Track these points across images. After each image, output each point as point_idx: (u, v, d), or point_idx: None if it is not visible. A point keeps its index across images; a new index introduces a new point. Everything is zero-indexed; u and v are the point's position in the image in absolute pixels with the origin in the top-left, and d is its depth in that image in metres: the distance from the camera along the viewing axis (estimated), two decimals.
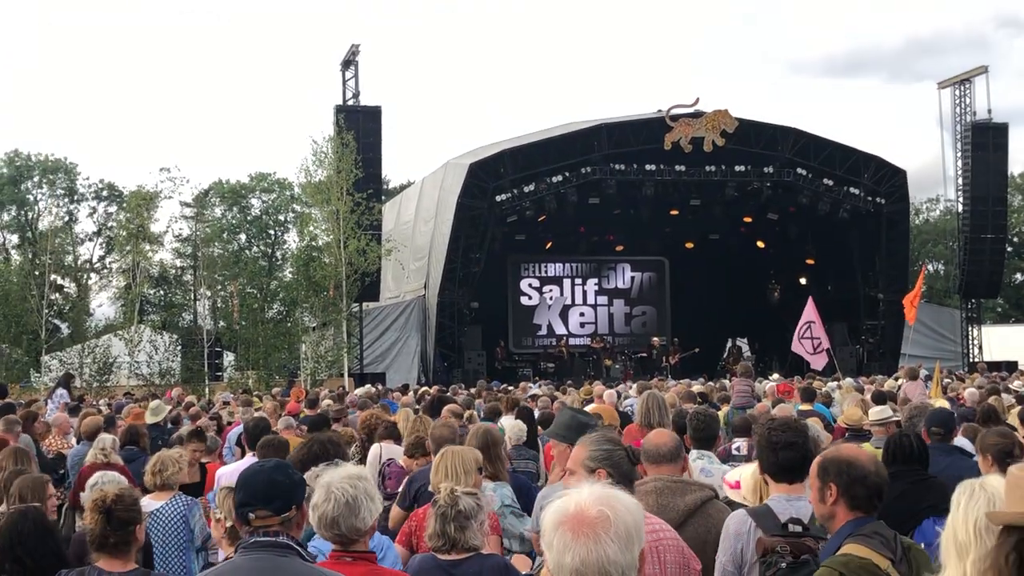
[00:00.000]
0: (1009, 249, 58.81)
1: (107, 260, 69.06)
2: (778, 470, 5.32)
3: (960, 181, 43.60)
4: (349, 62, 37.75)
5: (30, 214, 70.02)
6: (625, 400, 18.58)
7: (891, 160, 40.96)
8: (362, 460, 10.80)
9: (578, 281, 47.73)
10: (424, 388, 26.23)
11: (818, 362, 27.53)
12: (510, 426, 11.38)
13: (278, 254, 74.55)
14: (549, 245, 45.90)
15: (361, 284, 35.69)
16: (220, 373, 41.12)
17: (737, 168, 38.82)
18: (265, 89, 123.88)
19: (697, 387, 21.66)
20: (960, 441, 9.16)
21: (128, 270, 42.15)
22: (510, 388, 25.26)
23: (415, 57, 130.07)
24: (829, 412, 15.36)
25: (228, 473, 9.45)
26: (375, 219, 36.03)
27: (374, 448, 10.90)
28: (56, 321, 47.67)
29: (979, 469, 6.94)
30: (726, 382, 25.30)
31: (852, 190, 39.97)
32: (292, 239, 69.13)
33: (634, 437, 9.05)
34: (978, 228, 42.58)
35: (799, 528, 4.85)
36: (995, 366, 36.94)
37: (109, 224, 68.63)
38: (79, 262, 67.71)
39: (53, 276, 44.58)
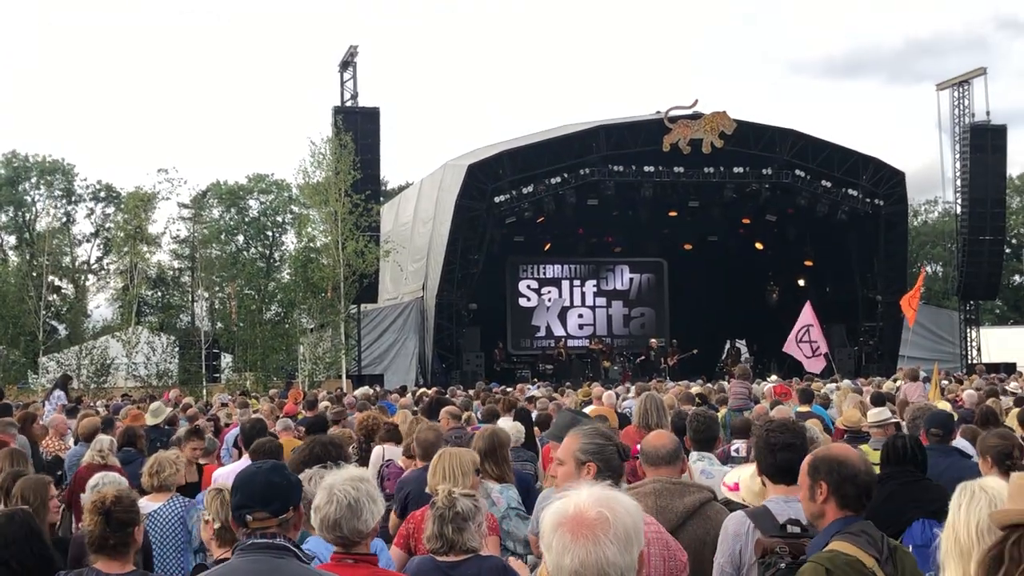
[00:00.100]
0: (1007, 251, 58.85)
1: (105, 261, 69.20)
2: (776, 471, 5.32)
3: (959, 183, 43.62)
4: (347, 63, 37.75)
5: (27, 215, 70.05)
6: (624, 402, 18.56)
7: (890, 162, 41.10)
8: (360, 462, 10.79)
9: (577, 282, 47.71)
10: (422, 390, 26.21)
11: (815, 365, 27.50)
12: (508, 428, 11.37)
13: (276, 255, 74.54)
14: (548, 246, 45.90)
15: (359, 285, 35.67)
16: (218, 375, 41.08)
17: (736, 170, 38.84)
18: (263, 90, 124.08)
19: (696, 388, 21.65)
20: (959, 442, 9.15)
21: (126, 271, 42.21)
22: (508, 389, 25.24)
23: (413, 58, 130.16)
24: (827, 414, 15.33)
25: (224, 474, 9.44)
26: (373, 220, 36.03)
27: (376, 450, 10.94)
28: (53, 322, 47.65)
29: (979, 470, 6.94)
30: (724, 384, 25.28)
31: (850, 192, 39.98)
32: (290, 240, 69.19)
33: (632, 438, 9.04)
34: (976, 230, 42.58)
35: (797, 529, 4.85)
36: (993, 368, 36.94)
37: (107, 225, 68.67)
38: (77, 263, 67.84)
39: (51, 277, 44.60)
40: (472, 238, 37.37)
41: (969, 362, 43.06)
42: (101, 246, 70.34)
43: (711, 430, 8.61)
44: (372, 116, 37.15)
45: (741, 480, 6.11)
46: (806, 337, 26.50)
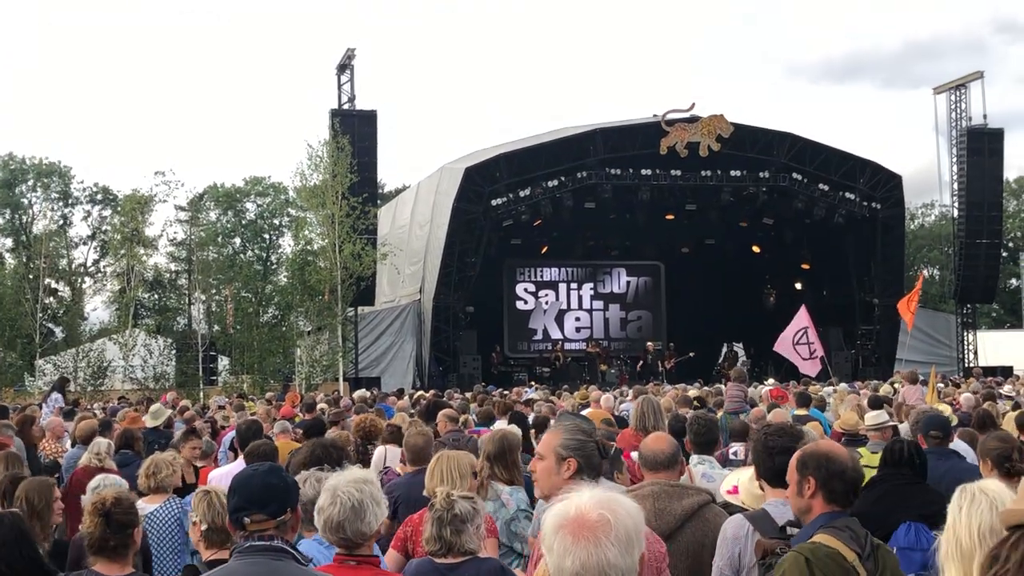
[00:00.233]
0: (1004, 254, 58.88)
1: (101, 264, 69.08)
2: (775, 475, 5.31)
3: (956, 186, 43.68)
4: (345, 66, 37.76)
5: (24, 218, 69.98)
6: (621, 405, 18.55)
7: (887, 165, 41.19)
8: (358, 464, 10.80)
9: (574, 286, 47.69)
10: (420, 393, 26.19)
11: (811, 368, 27.52)
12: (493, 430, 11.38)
13: (273, 258, 74.50)
14: (545, 249, 45.91)
15: (356, 288, 35.66)
16: (215, 377, 41.06)
17: (733, 173, 38.87)
18: (260, 93, 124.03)
19: (693, 392, 21.64)
20: (957, 445, 9.17)
21: (122, 274, 42.11)
22: (505, 392, 25.23)
23: (411, 61, 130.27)
24: (824, 417, 15.34)
25: (219, 476, 9.44)
26: (370, 223, 36.03)
27: (379, 450, 10.98)
28: (50, 325, 47.65)
29: (978, 473, 6.97)
30: (722, 387, 25.27)
31: (848, 195, 40.00)
32: (287, 243, 69.17)
33: (629, 442, 9.04)
34: (973, 233, 42.66)
35: (797, 531, 4.84)
36: (990, 371, 37.04)
37: (103, 228, 68.56)
38: (73, 266, 67.73)
39: (47, 280, 44.60)
40: (469, 241, 37.37)
41: (966, 365, 43.12)
42: (98, 249, 70.27)
43: (711, 433, 8.61)
44: (369, 119, 37.18)
45: (740, 483, 6.11)
46: (803, 339, 26.52)
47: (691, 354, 42.67)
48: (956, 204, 44.10)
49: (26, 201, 70.41)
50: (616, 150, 38.12)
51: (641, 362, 42.83)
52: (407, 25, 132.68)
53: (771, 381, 28.03)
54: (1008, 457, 6.89)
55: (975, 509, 3.34)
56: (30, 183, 70.31)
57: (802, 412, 14.81)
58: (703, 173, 38.57)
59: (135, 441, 11.87)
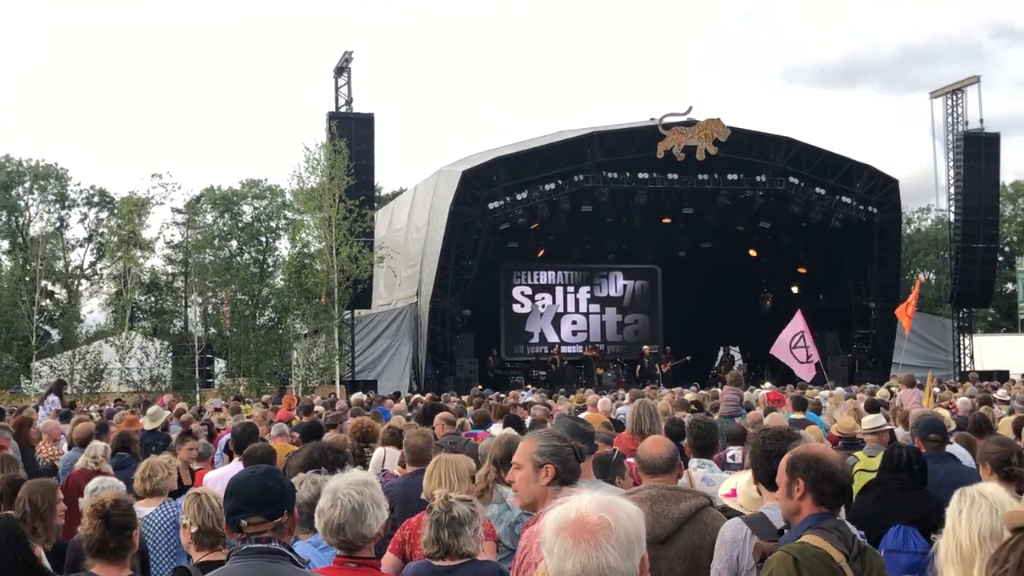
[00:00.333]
0: (1000, 259, 58.94)
1: (98, 266, 69.04)
2: (772, 479, 5.31)
3: (952, 191, 43.66)
4: (342, 69, 37.74)
5: (21, 220, 69.94)
6: (618, 408, 18.55)
7: (883, 169, 41.20)
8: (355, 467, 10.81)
9: (570, 289, 47.70)
10: (416, 396, 26.18)
11: (807, 373, 27.57)
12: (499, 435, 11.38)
13: (270, 261, 74.49)
14: (541, 253, 45.89)
15: (353, 291, 35.63)
16: (211, 380, 40.98)
17: (730, 177, 38.89)
18: (258, 95, 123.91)
19: (689, 395, 21.65)
20: (953, 449, 9.20)
21: (119, 276, 42.03)
22: (502, 396, 25.23)
23: (408, 64, 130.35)
24: (821, 421, 15.35)
25: (215, 478, 9.45)
26: (367, 226, 35.99)
27: (378, 452, 11.02)
28: (47, 327, 47.60)
29: (975, 475, 7.02)
30: (718, 390, 25.28)
31: (844, 199, 40.01)
32: (284, 246, 69.23)
33: (625, 445, 9.04)
34: (970, 238, 42.65)
35: None
36: (986, 375, 36.99)
37: (100, 230, 68.54)
38: (70, 268, 67.69)
39: (44, 282, 44.53)
40: (466, 244, 37.38)
41: (962, 370, 43.09)
42: (94, 251, 70.28)
43: (711, 437, 8.62)
44: (367, 122, 37.17)
45: (739, 486, 6.11)
46: (801, 343, 26.56)
47: (687, 358, 42.69)
48: (953, 208, 44.10)
49: (23, 203, 70.41)
50: (613, 153, 38.12)
51: (638, 366, 42.85)
52: (405, 28, 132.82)
53: (768, 385, 28.02)
54: (1007, 461, 6.94)
55: (975, 512, 3.35)
56: (27, 185, 70.30)
57: (799, 416, 14.82)
58: (700, 177, 38.57)
59: (132, 444, 11.87)
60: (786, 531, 4.89)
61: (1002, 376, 36.90)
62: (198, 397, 35.06)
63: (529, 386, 35.39)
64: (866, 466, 9.18)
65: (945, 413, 13.06)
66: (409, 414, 16.53)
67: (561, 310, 47.29)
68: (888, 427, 11.11)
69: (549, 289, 47.24)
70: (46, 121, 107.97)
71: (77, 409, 22.68)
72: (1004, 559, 2.63)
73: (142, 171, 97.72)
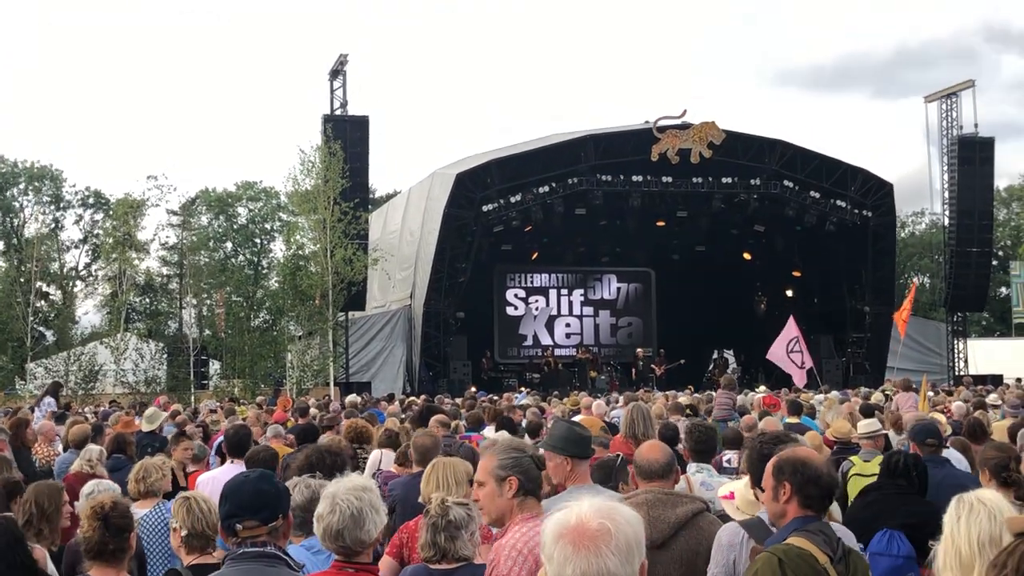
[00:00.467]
0: (994, 263, 58.99)
1: (93, 268, 68.89)
2: None
3: (946, 195, 43.76)
4: (337, 72, 37.75)
5: (15, 221, 69.75)
6: (613, 411, 18.53)
7: (878, 173, 41.25)
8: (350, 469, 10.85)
9: (564, 291, 47.72)
10: (411, 398, 26.17)
11: (800, 378, 27.56)
12: (493, 437, 11.39)
13: (264, 263, 74.31)
14: (535, 255, 45.90)
15: (347, 293, 35.65)
16: (206, 381, 41.00)
17: (724, 180, 38.88)
18: (253, 98, 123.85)
19: (683, 399, 21.65)
20: (948, 453, 9.21)
21: (114, 278, 42.08)
22: (495, 398, 25.22)
23: (403, 67, 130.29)
24: (816, 425, 15.35)
25: (207, 480, 9.44)
26: (362, 228, 36.01)
27: (374, 454, 11.09)
28: (41, 328, 47.53)
29: (972, 478, 7.06)
30: (713, 394, 25.27)
31: (839, 203, 40.05)
32: (278, 248, 68.98)
33: (620, 449, 9.04)
34: (964, 242, 42.73)
35: None
36: (980, 380, 37.03)
37: (95, 232, 68.40)
38: (65, 269, 67.57)
39: (39, 283, 44.49)
40: (460, 247, 37.36)
41: (956, 374, 43.17)
42: (89, 252, 70.11)
43: (710, 441, 8.63)
44: (361, 124, 37.18)
45: (736, 490, 6.12)
46: (797, 347, 26.54)
47: (681, 361, 42.65)
48: (947, 212, 44.19)
49: (17, 204, 70.20)
50: (607, 156, 38.12)
51: (632, 369, 42.83)
52: (399, 31, 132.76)
53: (763, 388, 28.03)
54: (1006, 467, 7.00)
55: (974, 519, 3.35)
56: (22, 186, 70.06)
57: (793, 420, 14.82)
58: (694, 180, 38.58)
59: (127, 445, 11.85)
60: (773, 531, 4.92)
61: (996, 380, 36.92)
62: (193, 399, 35.09)
63: (523, 388, 35.38)
64: (861, 471, 9.20)
65: (941, 417, 13.07)
66: (403, 416, 16.52)
67: (555, 313, 47.30)
68: (883, 432, 11.12)
69: (543, 291, 47.25)
70: (41, 122, 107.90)
71: (72, 410, 22.64)
72: (1003, 563, 2.64)
73: (137, 173, 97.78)
